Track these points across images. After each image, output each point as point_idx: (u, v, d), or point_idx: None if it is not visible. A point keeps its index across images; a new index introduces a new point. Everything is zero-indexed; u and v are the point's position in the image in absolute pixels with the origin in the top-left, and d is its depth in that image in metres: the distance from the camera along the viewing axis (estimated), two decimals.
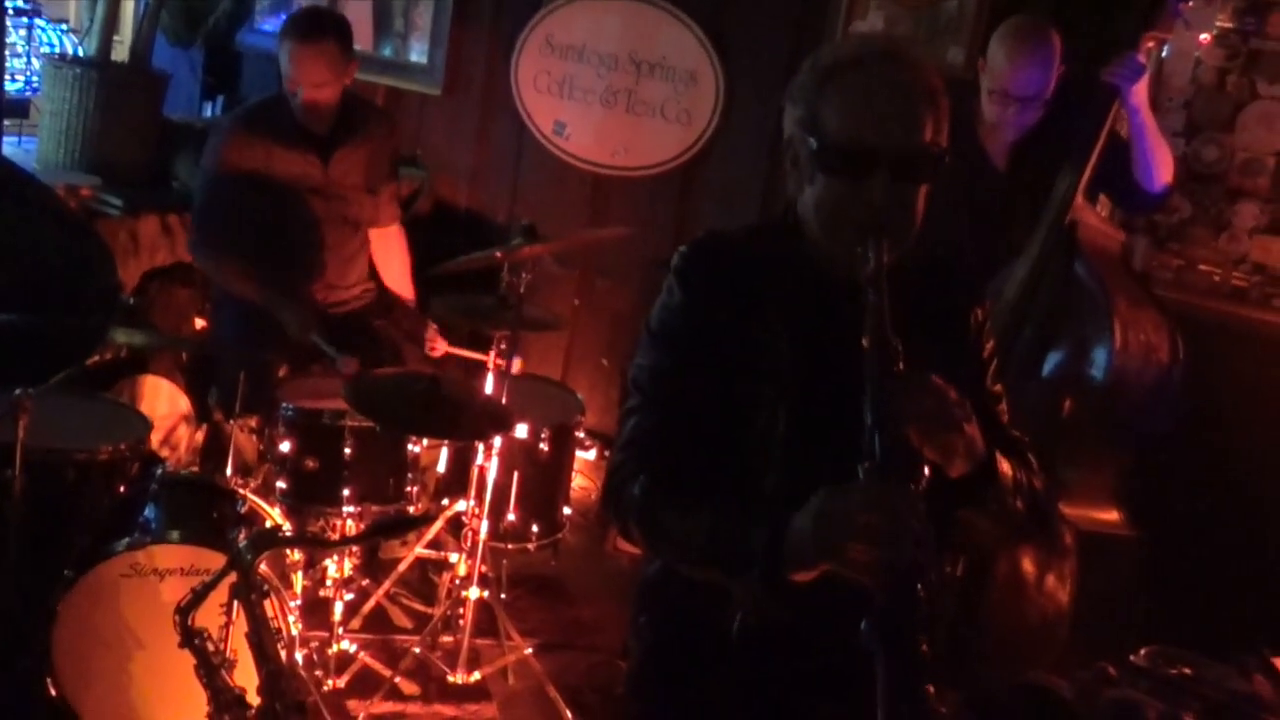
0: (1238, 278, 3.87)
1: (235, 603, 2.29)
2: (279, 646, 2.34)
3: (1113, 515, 3.32)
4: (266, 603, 2.36)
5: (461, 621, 3.49)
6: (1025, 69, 3.32)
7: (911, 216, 1.82)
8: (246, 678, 2.37)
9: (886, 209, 1.77)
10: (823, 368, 1.84)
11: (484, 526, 3.45)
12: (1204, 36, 3.81)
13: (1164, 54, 3.88)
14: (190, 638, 2.33)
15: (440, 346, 4.07)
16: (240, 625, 2.33)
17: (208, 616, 2.42)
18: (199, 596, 2.30)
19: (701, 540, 1.79)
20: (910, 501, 1.60)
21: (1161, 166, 3.34)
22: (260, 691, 2.26)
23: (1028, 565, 3.32)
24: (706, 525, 1.78)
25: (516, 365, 3.63)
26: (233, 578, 2.28)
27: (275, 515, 3.26)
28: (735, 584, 1.82)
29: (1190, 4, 3.25)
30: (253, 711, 2.30)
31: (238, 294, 3.91)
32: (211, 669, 2.34)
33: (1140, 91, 3.22)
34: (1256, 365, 3.78)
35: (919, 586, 1.55)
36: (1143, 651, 2.34)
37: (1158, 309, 3.35)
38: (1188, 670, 2.25)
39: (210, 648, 2.36)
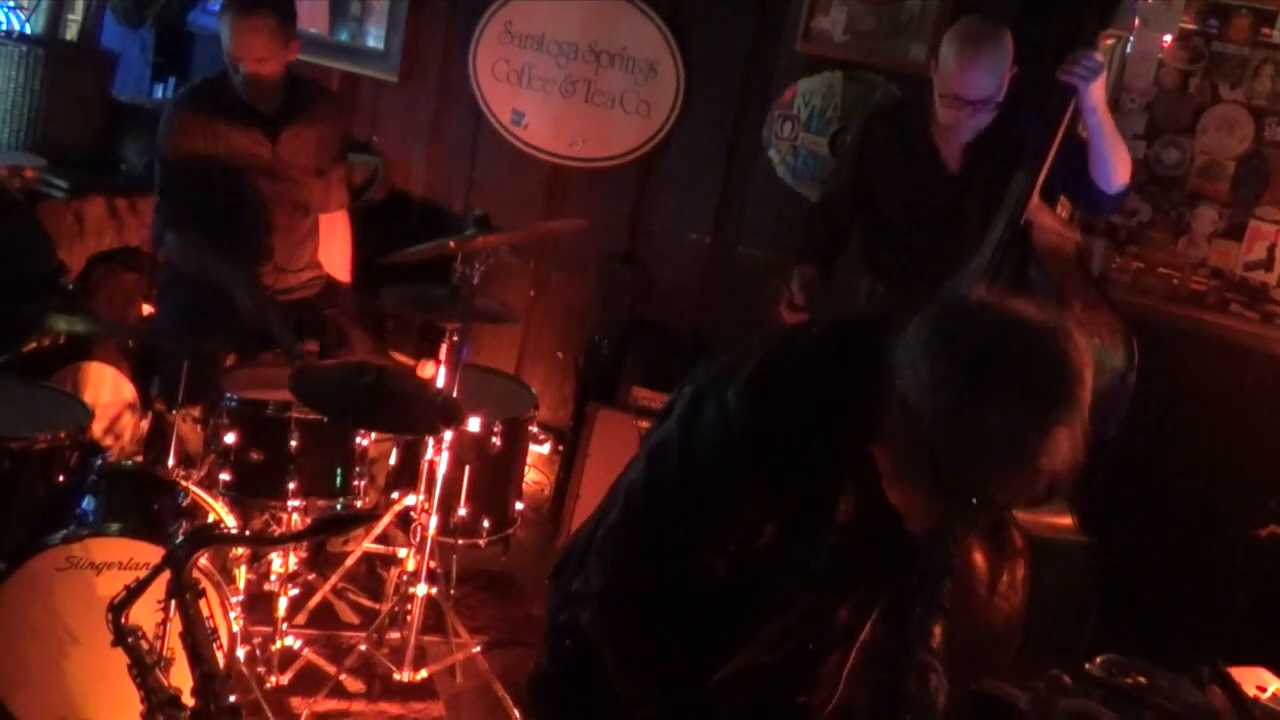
0: (1196, 281, 3.87)
1: (171, 602, 2.22)
2: (215, 646, 2.27)
3: (1065, 520, 3.30)
4: (205, 600, 2.30)
5: (409, 618, 3.43)
6: (975, 72, 3.29)
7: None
8: (184, 676, 2.31)
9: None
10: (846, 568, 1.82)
11: (433, 521, 3.40)
12: (1167, 38, 3.80)
13: (1127, 52, 3.87)
14: (123, 636, 2.26)
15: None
16: (177, 624, 2.26)
17: (145, 612, 2.35)
18: (132, 595, 2.24)
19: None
20: None
21: (1119, 167, 3.32)
22: (194, 693, 2.19)
23: (980, 567, 3.30)
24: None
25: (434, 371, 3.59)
26: (169, 574, 2.22)
27: (218, 508, 3.19)
28: None
29: (1148, 2, 3.23)
30: (187, 712, 2.24)
31: (204, 278, 3.84)
32: (145, 668, 2.27)
33: (1097, 91, 3.20)
34: (1214, 369, 3.78)
35: None
36: (1098, 660, 2.32)
37: (1113, 312, 3.34)
38: (1143, 680, 2.23)
39: (145, 646, 2.29)
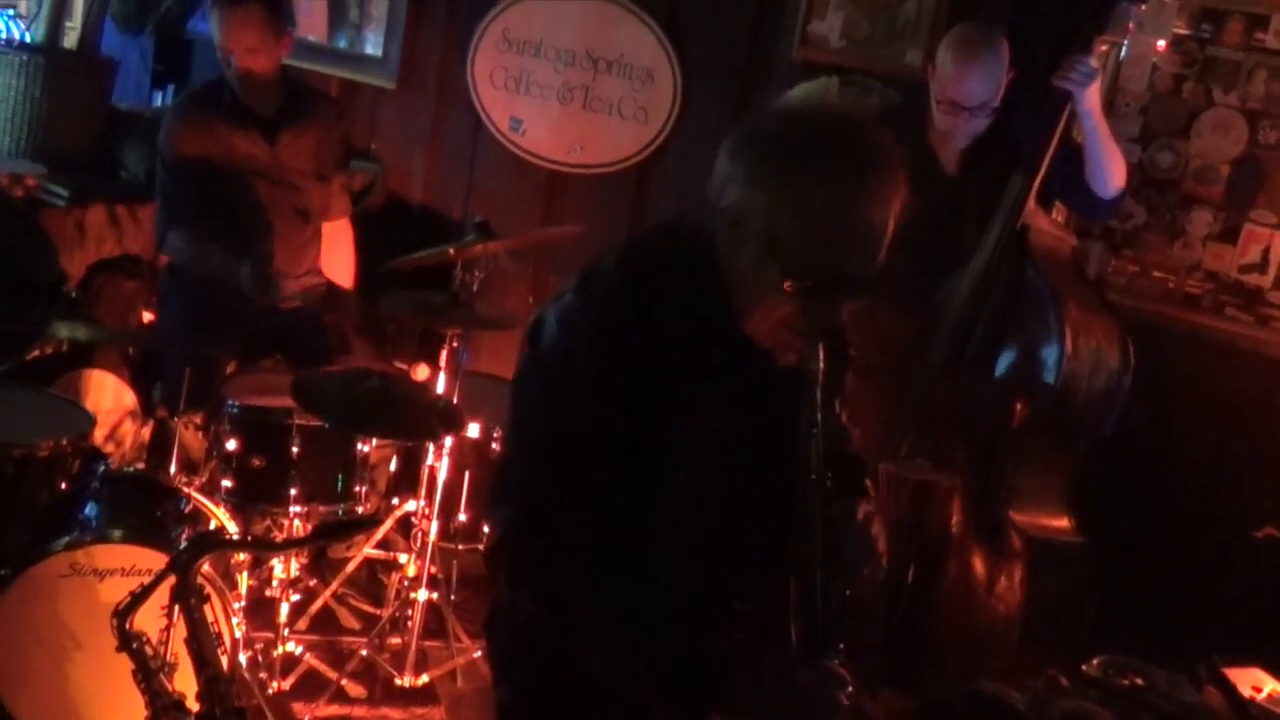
0: (1191, 284, 3.88)
1: (175, 607, 2.24)
2: (220, 651, 2.29)
3: (1063, 522, 3.32)
4: (208, 606, 2.31)
5: (410, 623, 3.45)
6: (972, 78, 3.31)
7: (844, 314, 1.81)
8: (188, 682, 2.32)
9: (833, 321, 1.79)
10: (739, 446, 1.81)
11: (434, 527, 3.41)
12: (1161, 43, 3.82)
13: (1121, 56, 3.89)
14: (128, 641, 2.27)
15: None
16: (181, 629, 2.28)
17: (149, 618, 2.37)
18: (136, 600, 2.25)
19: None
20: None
21: (1114, 171, 3.34)
22: (199, 698, 2.21)
23: (978, 568, 3.33)
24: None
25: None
26: (173, 580, 2.23)
27: (220, 514, 3.21)
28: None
29: (1143, 7, 3.25)
30: (191, 717, 2.26)
31: (207, 276, 3.86)
32: (149, 673, 2.28)
33: (1092, 96, 3.22)
34: (1208, 372, 3.79)
35: None
36: (1094, 661, 2.34)
37: (1109, 314, 3.36)
38: (1139, 680, 2.25)
39: (149, 651, 2.31)
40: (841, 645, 1.76)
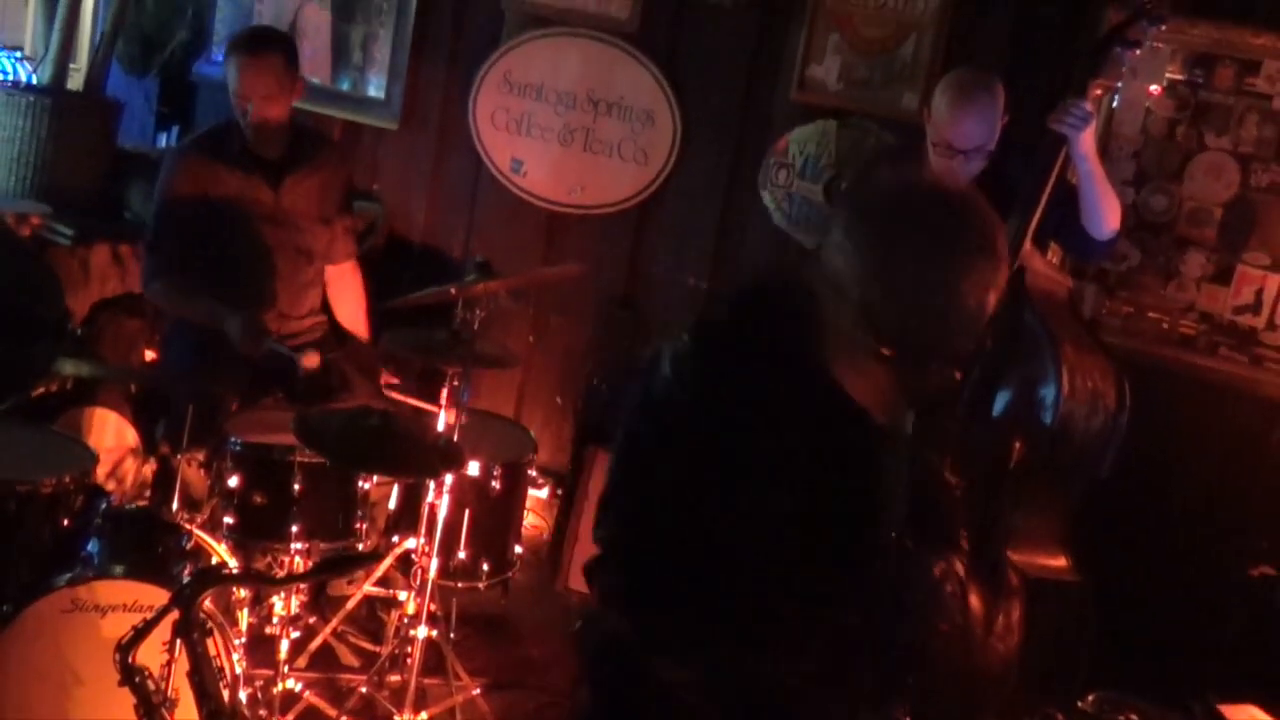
0: (1185, 325, 3.92)
1: (177, 641, 2.26)
2: (221, 686, 2.30)
3: (1060, 561, 3.33)
4: (210, 641, 2.33)
5: (409, 660, 3.45)
6: (967, 122, 3.35)
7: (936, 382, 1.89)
8: (189, 717, 2.33)
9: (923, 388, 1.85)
10: (825, 492, 1.84)
11: (433, 564, 3.42)
12: (1154, 88, 3.88)
13: (1114, 104, 3.94)
14: (130, 676, 2.28)
15: (392, 394, 4.05)
16: (182, 663, 2.29)
17: (150, 653, 2.38)
18: (139, 635, 2.27)
19: None
20: None
21: (1109, 214, 3.37)
22: None
23: (976, 607, 3.33)
24: None
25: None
26: (175, 615, 2.25)
27: (221, 551, 3.22)
28: None
29: (1137, 53, 3.29)
30: None
31: (192, 321, 3.89)
32: (151, 708, 2.30)
33: (1088, 139, 3.25)
34: (1203, 412, 3.82)
35: None
36: (1090, 698, 2.35)
37: (1105, 355, 3.38)
38: (1134, 717, 2.27)
39: (151, 686, 2.32)
40: (910, 693, 1.80)
